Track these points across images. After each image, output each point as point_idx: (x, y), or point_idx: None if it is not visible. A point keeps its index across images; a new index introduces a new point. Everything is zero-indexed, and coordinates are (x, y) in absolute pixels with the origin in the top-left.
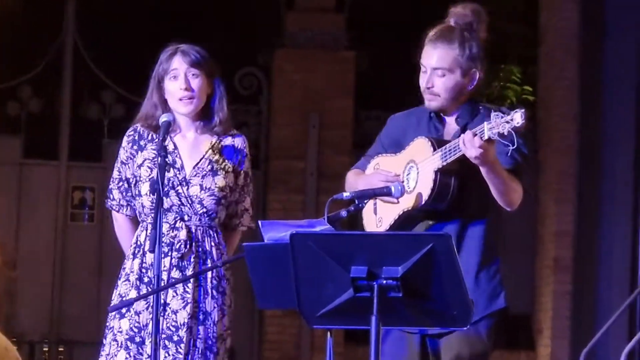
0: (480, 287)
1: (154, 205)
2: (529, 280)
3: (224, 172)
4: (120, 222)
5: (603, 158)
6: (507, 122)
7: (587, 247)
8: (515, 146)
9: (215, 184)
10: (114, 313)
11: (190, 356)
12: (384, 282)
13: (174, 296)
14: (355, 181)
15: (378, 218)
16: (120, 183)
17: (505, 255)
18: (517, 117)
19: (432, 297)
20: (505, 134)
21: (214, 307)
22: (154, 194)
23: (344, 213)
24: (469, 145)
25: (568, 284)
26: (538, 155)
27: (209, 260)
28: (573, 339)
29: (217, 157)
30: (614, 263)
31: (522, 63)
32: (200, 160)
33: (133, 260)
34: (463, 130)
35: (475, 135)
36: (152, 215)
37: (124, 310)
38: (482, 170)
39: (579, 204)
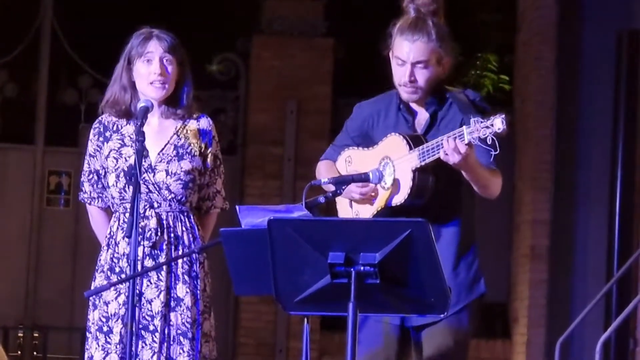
0: (460, 276)
1: (122, 194)
2: (505, 269)
3: (190, 156)
4: (93, 214)
5: (579, 147)
6: (487, 127)
7: (564, 236)
8: (498, 151)
9: (181, 168)
10: (91, 307)
11: (166, 344)
12: (362, 268)
13: (148, 285)
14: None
15: (355, 211)
16: (90, 175)
17: (481, 244)
18: (498, 123)
19: (410, 283)
20: (489, 141)
21: (186, 292)
22: (130, 180)
23: (321, 199)
24: (452, 153)
25: (544, 272)
26: (515, 144)
27: (180, 246)
28: (549, 328)
29: (182, 141)
30: (590, 252)
31: (499, 51)
32: (165, 145)
33: (107, 251)
34: (432, 117)
35: (455, 140)
36: (123, 204)
37: (97, 302)
38: (464, 172)
39: (556, 193)
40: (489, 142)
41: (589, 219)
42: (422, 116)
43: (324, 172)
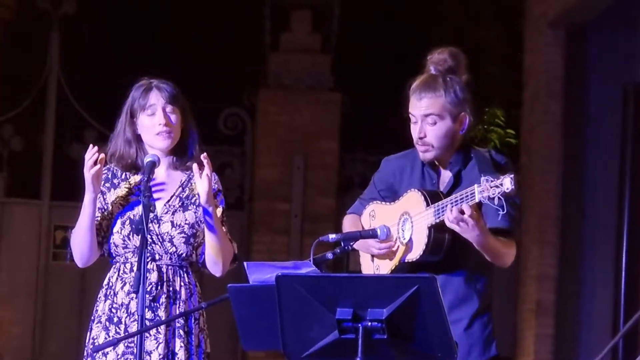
0: (474, 335)
1: (125, 242)
2: (511, 324)
3: (194, 207)
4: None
5: (586, 201)
6: (497, 186)
7: (569, 290)
8: (505, 211)
9: (185, 219)
10: (88, 358)
11: None
12: (369, 324)
13: (147, 337)
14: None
15: (375, 266)
16: None
17: None
18: (507, 183)
19: (417, 338)
20: (496, 201)
21: (181, 347)
22: (138, 235)
23: (330, 255)
24: (455, 222)
25: (550, 327)
26: (521, 198)
27: (177, 301)
28: None
29: (187, 193)
30: (596, 307)
31: (505, 106)
32: (171, 197)
33: (105, 302)
34: (456, 177)
35: (455, 210)
36: (125, 253)
37: (93, 352)
38: (474, 242)
39: (561, 247)
40: (497, 203)
41: (595, 273)
42: (446, 175)
43: (348, 226)
